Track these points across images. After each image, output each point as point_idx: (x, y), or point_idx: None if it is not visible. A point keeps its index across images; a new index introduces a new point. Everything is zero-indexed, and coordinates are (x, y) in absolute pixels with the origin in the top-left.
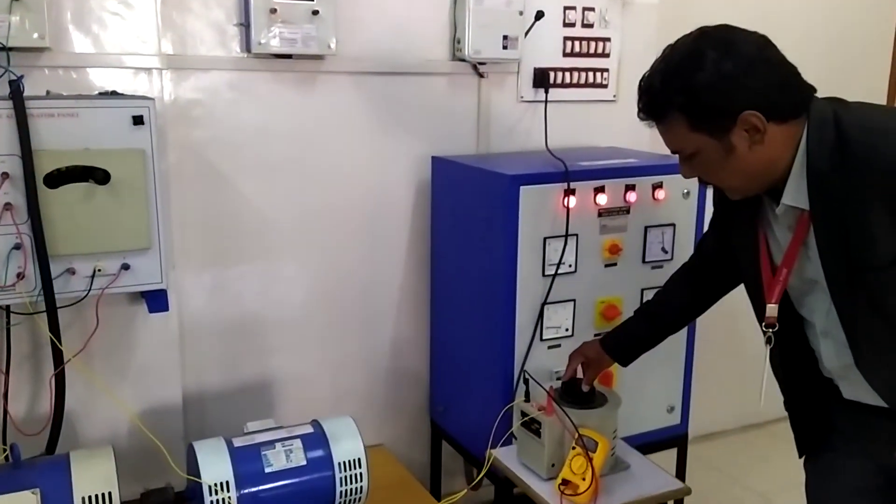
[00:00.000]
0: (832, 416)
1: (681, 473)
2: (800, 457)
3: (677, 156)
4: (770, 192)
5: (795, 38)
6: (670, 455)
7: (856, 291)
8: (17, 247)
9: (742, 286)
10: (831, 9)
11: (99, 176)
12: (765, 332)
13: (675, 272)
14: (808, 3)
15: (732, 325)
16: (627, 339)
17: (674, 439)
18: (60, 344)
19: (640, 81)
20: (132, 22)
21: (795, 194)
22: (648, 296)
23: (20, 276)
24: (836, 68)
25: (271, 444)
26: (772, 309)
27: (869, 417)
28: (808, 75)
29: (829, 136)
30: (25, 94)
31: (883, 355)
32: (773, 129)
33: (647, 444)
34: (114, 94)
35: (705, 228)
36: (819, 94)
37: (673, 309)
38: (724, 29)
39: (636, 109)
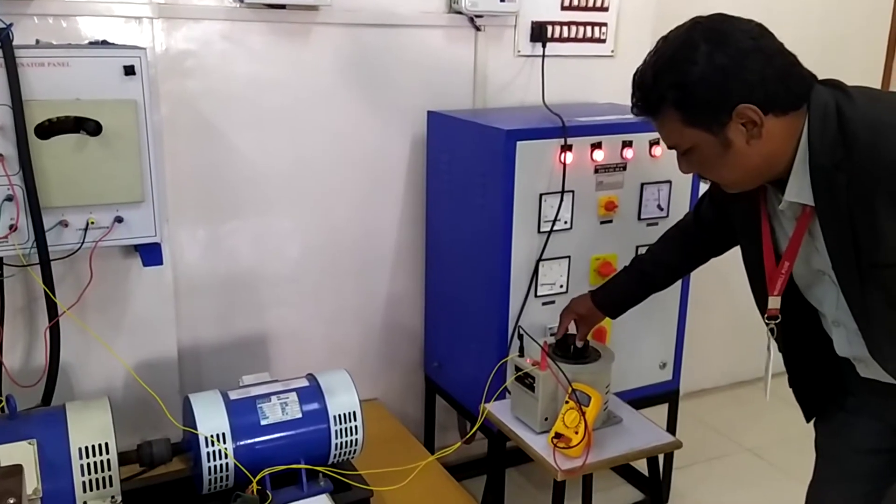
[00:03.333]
0: (846, 386)
1: (672, 428)
2: (807, 421)
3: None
4: (774, 182)
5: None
6: (662, 410)
7: (868, 286)
8: (10, 198)
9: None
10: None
11: (90, 127)
12: (767, 324)
13: (668, 230)
14: None
15: (725, 283)
16: (617, 295)
17: (665, 395)
18: (55, 296)
19: (634, 76)
20: None
21: (799, 190)
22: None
23: (12, 227)
24: (836, 21)
25: (267, 396)
26: (774, 301)
27: (886, 387)
28: (808, 33)
29: (832, 130)
30: (14, 42)
31: None
32: (771, 122)
33: (640, 399)
34: (104, 43)
35: (702, 186)
36: (813, 68)
37: (663, 268)
38: (719, 19)
39: (634, 70)
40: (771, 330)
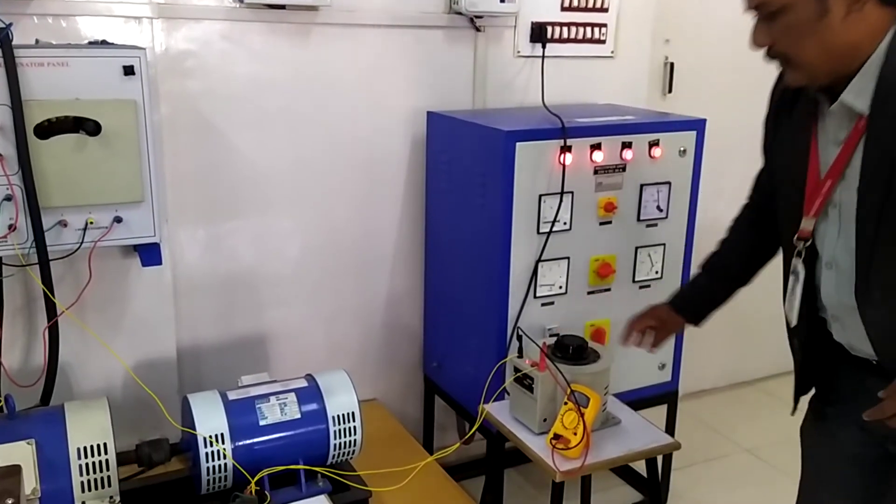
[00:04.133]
0: (834, 376)
1: (671, 429)
2: (793, 411)
3: (755, 13)
4: (828, 92)
5: None
6: (661, 411)
7: (885, 220)
8: (8, 198)
9: None
10: None
11: (90, 127)
12: (796, 246)
13: (733, 219)
14: None
15: None
16: (696, 296)
17: (664, 396)
18: (54, 296)
19: None
20: None
21: (857, 94)
22: (643, 254)
23: (11, 227)
24: None
25: (265, 397)
26: (808, 222)
27: (865, 379)
28: None
29: None
30: (14, 42)
31: (890, 295)
32: (872, 6)
33: (638, 400)
34: (104, 43)
35: (701, 187)
36: None
37: (739, 256)
38: None
39: (633, 71)
40: (799, 252)
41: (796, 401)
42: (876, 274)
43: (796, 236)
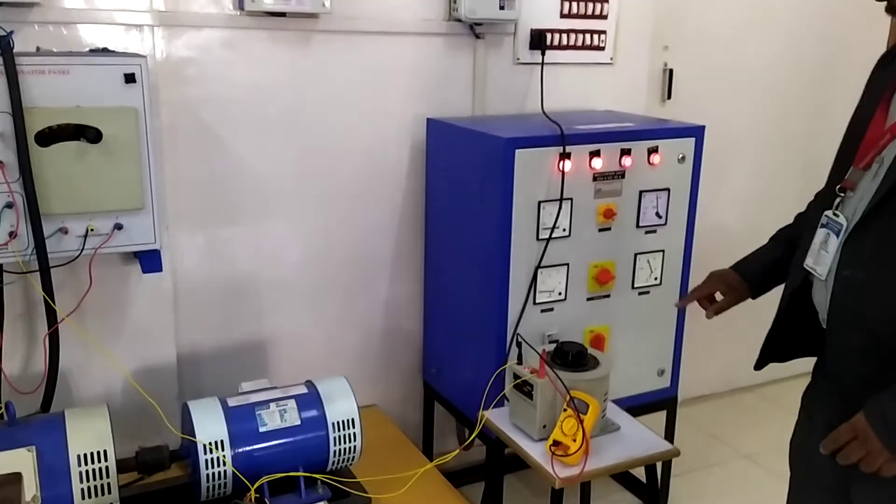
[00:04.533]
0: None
1: (670, 436)
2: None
3: None
4: None
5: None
6: (660, 417)
7: None
8: (9, 205)
9: None
10: None
11: (91, 135)
12: (838, 195)
13: (815, 194)
14: None
15: None
16: (764, 265)
17: (664, 402)
18: (54, 303)
19: None
20: None
21: None
22: (642, 260)
23: (12, 234)
24: (835, 23)
25: (265, 403)
26: (855, 173)
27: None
28: (806, 33)
29: None
30: (15, 50)
31: (870, 259)
32: None
33: (638, 406)
34: (105, 51)
35: (700, 193)
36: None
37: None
38: None
39: (633, 77)
40: (837, 204)
41: (763, 359)
42: (873, 235)
43: (839, 186)
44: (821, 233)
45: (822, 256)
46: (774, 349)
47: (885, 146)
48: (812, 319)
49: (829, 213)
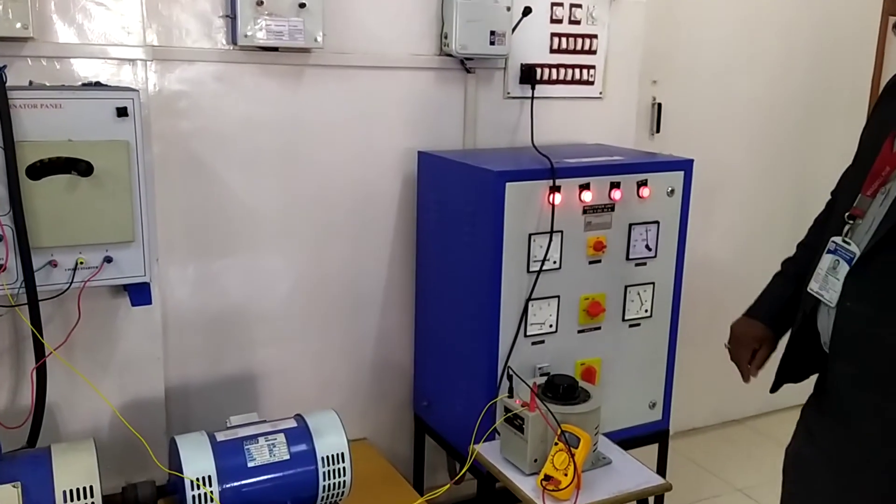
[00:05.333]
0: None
1: (662, 469)
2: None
3: None
4: None
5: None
6: (652, 451)
7: None
8: None
9: None
10: (817, 4)
11: (82, 168)
12: (847, 222)
13: (814, 220)
14: (793, 5)
15: (714, 322)
16: (781, 308)
17: (655, 435)
18: (42, 337)
19: None
20: (117, 12)
21: None
22: (632, 293)
23: (1, 267)
24: (822, 58)
25: (254, 438)
26: (863, 201)
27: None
28: (794, 67)
29: None
30: (7, 84)
31: (873, 291)
32: None
33: (629, 439)
34: (98, 85)
35: (690, 226)
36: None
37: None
38: None
39: (622, 111)
40: (846, 231)
41: (779, 382)
42: (871, 270)
43: (848, 213)
44: (828, 258)
45: (830, 283)
46: (789, 371)
47: (889, 176)
48: (819, 339)
49: (837, 239)
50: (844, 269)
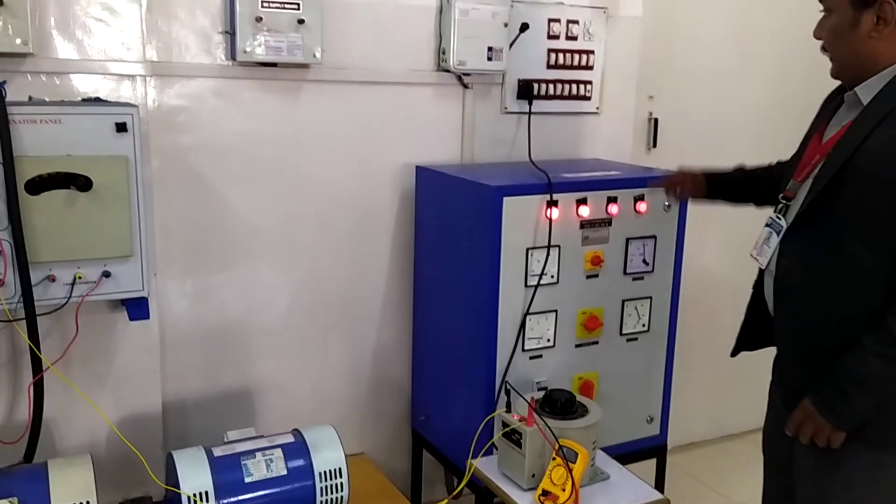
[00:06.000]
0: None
1: (660, 484)
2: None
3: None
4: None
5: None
6: (650, 465)
7: (823, 197)
8: None
9: None
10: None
11: (81, 182)
12: (780, 202)
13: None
14: (788, 20)
15: (711, 336)
16: (723, 175)
17: (653, 449)
18: (40, 351)
19: None
20: (117, 29)
21: (866, 90)
22: (630, 307)
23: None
24: (818, 72)
25: (251, 453)
26: (794, 185)
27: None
28: (790, 81)
29: None
30: (7, 99)
31: (803, 254)
32: (892, 30)
33: (627, 454)
34: (97, 100)
35: (686, 241)
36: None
37: (758, 176)
38: None
39: (618, 126)
40: (780, 209)
41: (736, 349)
42: (799, 234)
43: (782, 195)
44: (765, 231)
45: (764, 251)
46: (745, 341)
47: (817, 164)
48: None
49: (773, 215)
50: (775, 239)
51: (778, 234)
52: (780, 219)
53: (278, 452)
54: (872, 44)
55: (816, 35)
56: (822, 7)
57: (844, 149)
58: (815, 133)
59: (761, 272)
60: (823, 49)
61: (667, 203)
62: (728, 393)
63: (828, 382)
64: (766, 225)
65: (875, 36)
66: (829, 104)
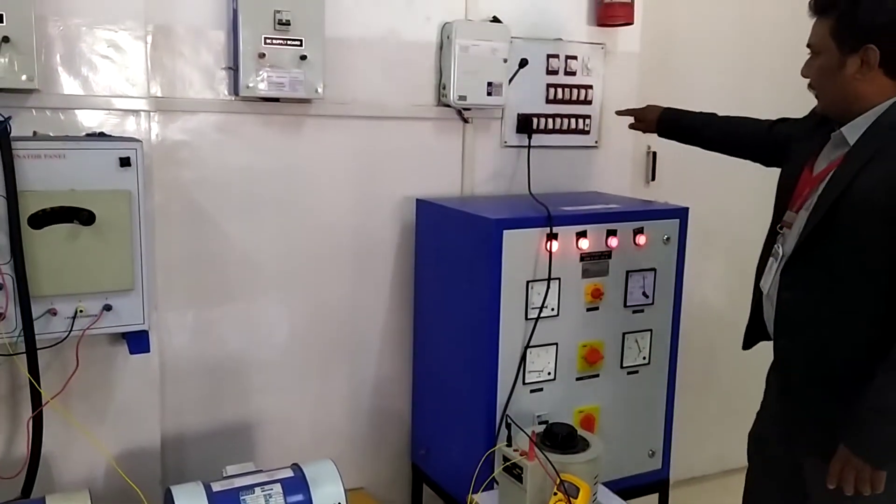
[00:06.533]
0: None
1: None
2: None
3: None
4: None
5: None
6: (652, 500)
7: (818, 231)
8: None
9: None
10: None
11: (84, 217)
12: (779, 231)
13: (748, 118)
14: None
15: (713, 368)
16: (679, 114)
17: (655, 484)
18: (40, 386)
19: None
20: (122, 65)
21: (852, 129)
22: (630, 340)
23: (1, 316)
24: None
25: (251, 488)
26: (790, 215)
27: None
28: (787, 114)
29: None
30: (12, 134)
31: (801, 284)
32: (878, 75)
33: (629, 488)
34: (101, 135)
35: (686, 273)
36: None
37: (724, 122)
38: None
39: (617, 160)
40: (780, 238)
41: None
42: (799, 266)
43: (780, 225)
44: (770, 260)
45: (766, 279)
46: (751, 337)
47: (808, 196)
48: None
49: (778, 245)
50: (776, 267)
51: (777, 261)
52: (779, 249)
53: (277, 487)
54: (857, 85)
55: (804, 74)
56: (811, 48)
57: (835, 187)
58: (803, 166)
59: (760, 273)
60: (810, 87)
61: (665, 239)
62: (729, 427)
63: (855, 425)
64: (771, 255)
65: (859, 78)
66: (815, 132)
